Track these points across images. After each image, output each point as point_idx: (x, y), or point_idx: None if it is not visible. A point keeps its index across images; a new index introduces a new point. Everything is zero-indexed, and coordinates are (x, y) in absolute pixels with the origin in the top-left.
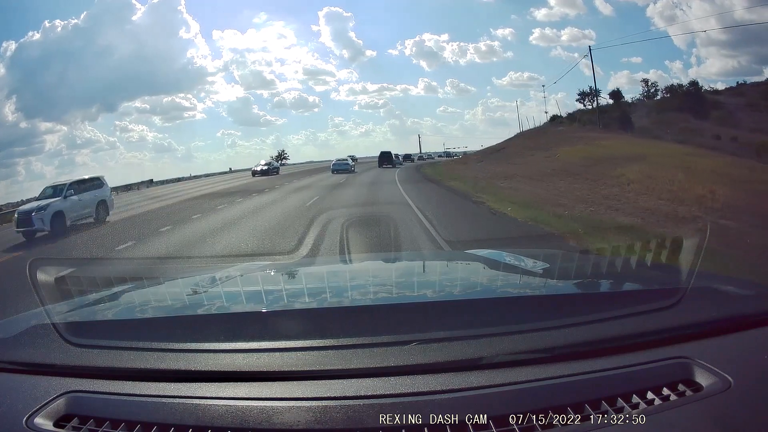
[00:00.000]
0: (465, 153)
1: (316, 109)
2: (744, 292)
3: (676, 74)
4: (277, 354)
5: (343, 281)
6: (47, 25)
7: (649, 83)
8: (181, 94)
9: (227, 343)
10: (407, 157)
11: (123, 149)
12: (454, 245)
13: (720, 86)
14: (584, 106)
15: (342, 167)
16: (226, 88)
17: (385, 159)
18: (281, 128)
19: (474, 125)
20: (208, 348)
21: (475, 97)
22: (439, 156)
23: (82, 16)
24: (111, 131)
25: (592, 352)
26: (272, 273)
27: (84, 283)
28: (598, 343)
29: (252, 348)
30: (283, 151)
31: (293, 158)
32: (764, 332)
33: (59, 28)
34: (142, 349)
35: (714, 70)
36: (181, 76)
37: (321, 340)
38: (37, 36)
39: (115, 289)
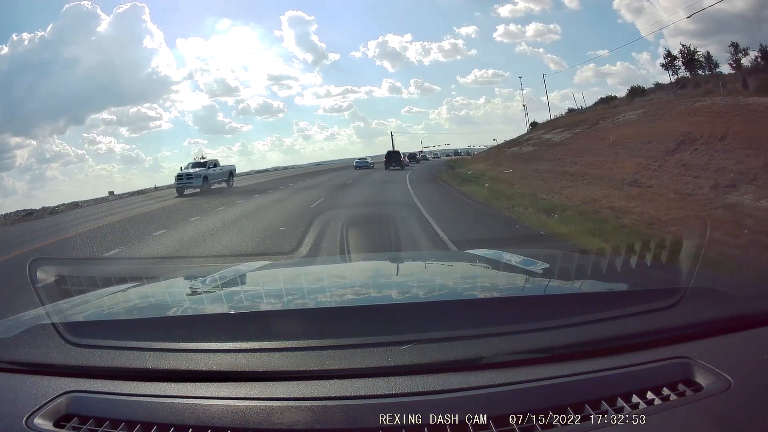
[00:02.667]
0: (455, 151)
1: (280, 115)
2: (744, 292)
3: (644, 65)
4: (277, 354)
5: (343, 281)
6: (14, 38)
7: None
8: (147, 104)
9: (227, 343)
10: (412, 157)
11: (92, 161)
12: None
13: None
14: (674, 73)
15: (363, 164)
16: (192, 97)
17: (393, 160)
18: (247, 135)
19: (439, 124)
20: (208, 348)
21: (440, 96)
22: (435, 156)
23: (48, 28)
24: (79, 144)
25: (592, 352)
26: (272, 273)
27: (84, 283)
28: (598, 343)
29: (252, 348)
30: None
31: (258, 164)
32: (764, 332)
33: (26, 41)
34: (142, 349)
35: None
36: (147, 85)
37: (321, 340)
38: (5, 50)
39: (115, 289)
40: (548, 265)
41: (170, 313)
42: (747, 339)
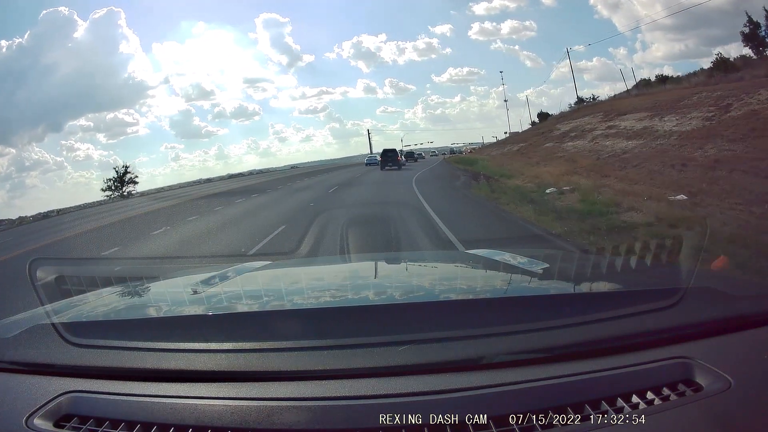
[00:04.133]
0: (451, 150)
1: (256, 117)
2: (744, 292)
3: (621, 60)
4: (277, 354)
5: (343, 281)
6: None
7: None
8: (124, 110)
9: (227, 343)
10: (410, 156)
11: (70, 169)
12: None
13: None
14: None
15: (373, 161)
16: (168, 101)
17: (389, 159)
18: (223, 138)
19: (415, 123)
20: (208, 348)
21: (415, 96)
22: (433, 155)
23: (26, 35)
24: (58, 151)
25: (592, 352)
26: (272, 273)
27: (84, 283)
28: (598, 343)
29: (252, 348)
30: (127, 168)
31: (235, 167)
32: (764, 332)
33: (4, 49)
34: (142, 349)
35: (659, 54)
36: (123, 91)
37: (321, 340)
38: None
39: (115, 289)
40: (548, 265)
41: (170, 313)
42: (747, 339)
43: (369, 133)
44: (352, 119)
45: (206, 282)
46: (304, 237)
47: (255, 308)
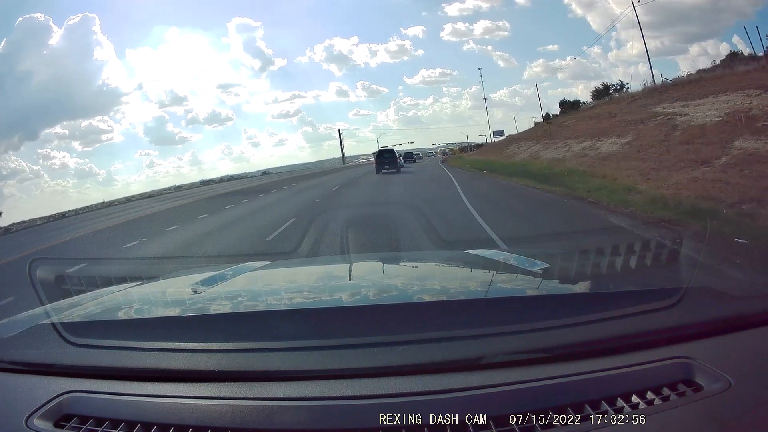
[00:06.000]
0: (445, 151)
1: (229, 123)
2: (744, 292)
3: (595, 58)
4: (277, 354)
5: (343, 281)
6: None
7: None
8: (99, 117)
9: (227, 343)
10: (408, 157)
11: (47, 177)
12: None
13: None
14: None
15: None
16: (142, 107)
17: (386, 161)
18: (196, 144)
19: (387, 125)
20: (208, 348)
21: (388, 98)
22: (430, 155)
23: (1, 43)
24: (34, 160)
25: (592, 352)
26: (272, 273)
27: (84, 283)
28: (598, 343)
29: (251, 348)
30: None
31: (210, 173)
32: (764, 332)
33: None
34: (142, 349)
35: (635, 52)
36: (98, 98)
37: (321, 340)
38: None
39: (115, 289)
40: (548, 265)
41: (170, 313)
42: (747, 339)
43: (340, 133)
44: (324, 123)
45: (206, 282)
46: None
47: (255, 308)
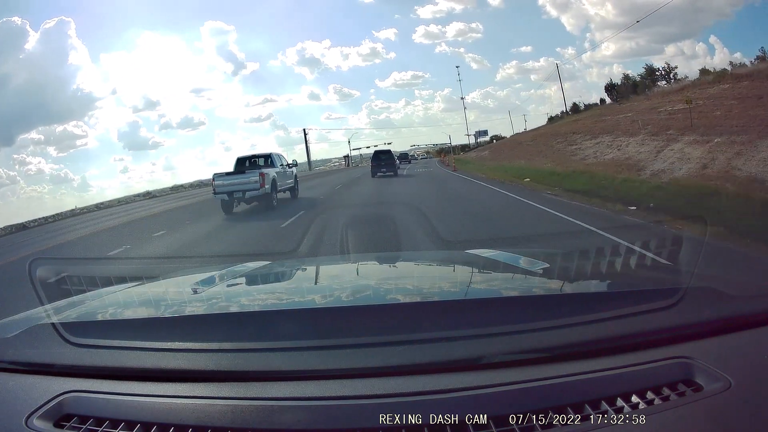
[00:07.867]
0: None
1: (202, 127)
2: (744, 292)
3: (569, 60)
4: (277, 354)
5: (343, 280)
6: None
7: None
8: (73, 122)
9: (227, 343)
10: (404, 158)
11: (23, 183)
12: None
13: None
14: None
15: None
16: (116, 112)
17: (383, 163)
18: (169, 149)
19: (359, 129)
20: (208, 348)
21: (360, 101)
22: (428, 157)
23: None
24: (11, 165)
25: (592, 352)
26: (272, 272)
27: (84, 283)
28: (598, 343)
29: (252, 348)
30: None
31: (183, 178)
32: (764, 332)
33: None
34: (141, 349)
35: (609, 53)
36: (73, 102)
37: (321, 340)
38: None
39: (115, 289)
40: (548, 265)
41: (170, 313)
42: (747, 339)
43: (306, 133)
44: (296, 126)
45: (206, 282)
46: None
47: (255, 308)
